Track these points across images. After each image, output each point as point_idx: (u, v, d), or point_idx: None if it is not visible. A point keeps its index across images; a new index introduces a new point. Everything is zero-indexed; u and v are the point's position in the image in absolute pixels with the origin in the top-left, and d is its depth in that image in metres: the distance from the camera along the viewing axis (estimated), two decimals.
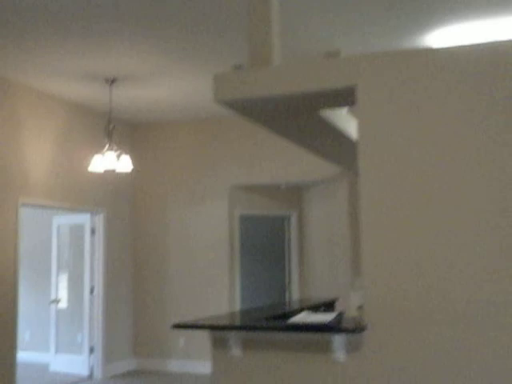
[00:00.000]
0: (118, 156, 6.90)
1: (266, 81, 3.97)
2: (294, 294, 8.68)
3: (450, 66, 3.64)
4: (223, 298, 8.19)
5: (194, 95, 7.33)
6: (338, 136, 5.23)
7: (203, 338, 8.18)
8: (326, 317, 3.72)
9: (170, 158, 8.64)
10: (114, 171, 8.01)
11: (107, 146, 6.77)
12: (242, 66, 4.55)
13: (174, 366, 8.35)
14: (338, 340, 3.64)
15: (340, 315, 3.80)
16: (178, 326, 3.91)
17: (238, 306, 8.31)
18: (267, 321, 3.98)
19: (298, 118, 4.48)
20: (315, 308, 5.08)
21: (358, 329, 3.50)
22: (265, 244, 12.16)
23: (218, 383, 3.90)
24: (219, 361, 3.91)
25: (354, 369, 3.65)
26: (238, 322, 4.08)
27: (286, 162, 8.15)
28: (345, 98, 3.99)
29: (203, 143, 8.52)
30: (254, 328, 3.73)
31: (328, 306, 5.65)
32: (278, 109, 4.23)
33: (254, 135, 8.30)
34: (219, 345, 3.92)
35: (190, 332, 8.28)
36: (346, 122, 5.16)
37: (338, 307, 7.54)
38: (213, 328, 3.83)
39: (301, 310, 4.62)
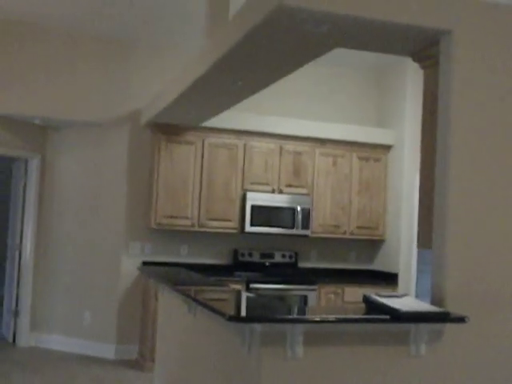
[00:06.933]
0: None
1: None
2: (26, 258, 6.92)
3: None
4: None
5: None
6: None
7: None
8: (412, 302, 3.06)
9: None
10: None
11: None
12: None
13: None
14: (422, 331, 3.05)
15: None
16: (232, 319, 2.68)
17: None
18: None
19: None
20: None
21: (467, 318, 3.00)
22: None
23: None
24: (274, 362, 2.83)
25: (434, 363, 3.11)
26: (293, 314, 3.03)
27: (47, 92, 6.41)
28: (424, 43, 3.35)
29: None
30: (357, 320, 2.82)
31: None
32: (331, 33, 3.26)
33: (14, 50, 6.28)
34: (272, 343, 2.84)
35: None
36: None
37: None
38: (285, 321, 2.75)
39: None
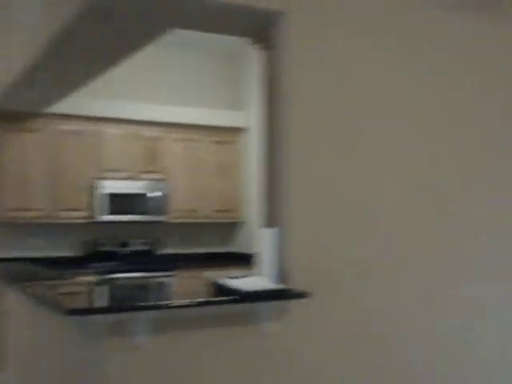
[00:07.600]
0: None
1: None
2: None
3: None
4: None
5: None
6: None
7: None
8: (258, 281, 3.07)
9: None
10: None
11: None
12: None
13: None
14: (266, 309, 3.10)
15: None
16: (71, 312, 2.57)
17: None
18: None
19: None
20: None
21: (308, 293, 3.07)
22: None
23: (120, 379, 2.76)
24: (118, 352, 2.76)
25: (283, 339, 3.16)
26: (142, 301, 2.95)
27: None
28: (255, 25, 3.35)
29: None
30: (206, 303, 2.80)
31: None
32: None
33: None
34: (116, 332, 2.77)
35: None
36: None
37: None
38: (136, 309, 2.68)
39: None
